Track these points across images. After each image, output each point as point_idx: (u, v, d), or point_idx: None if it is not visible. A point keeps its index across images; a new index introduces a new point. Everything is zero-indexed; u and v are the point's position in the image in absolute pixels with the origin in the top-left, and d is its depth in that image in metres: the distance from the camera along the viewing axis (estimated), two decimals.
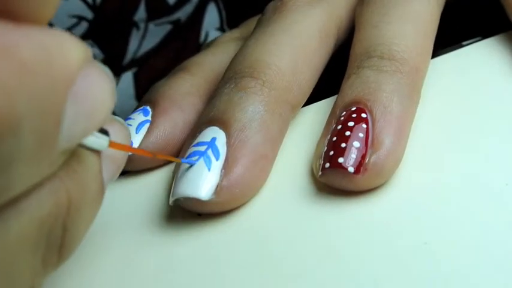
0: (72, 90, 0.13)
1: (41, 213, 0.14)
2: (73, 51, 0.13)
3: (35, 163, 0.13)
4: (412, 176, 0.22)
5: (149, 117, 0.24)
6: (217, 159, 0.21)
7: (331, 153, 0.21)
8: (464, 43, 0.27)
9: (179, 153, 0.24)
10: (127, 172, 0.25)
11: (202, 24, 0.39)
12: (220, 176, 0.21)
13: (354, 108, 0.22)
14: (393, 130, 0.21)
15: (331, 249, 0.20)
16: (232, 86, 0.23)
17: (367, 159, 0.21)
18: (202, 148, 0.21)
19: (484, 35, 0.28)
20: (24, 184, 0.13)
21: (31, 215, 0.13)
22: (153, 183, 0.24)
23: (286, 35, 0.24)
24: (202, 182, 0.21)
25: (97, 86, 0.14)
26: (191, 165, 0.21)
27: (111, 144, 0.16)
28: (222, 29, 0.40)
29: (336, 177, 0.21)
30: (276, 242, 0.21)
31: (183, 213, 0.22)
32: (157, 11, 0.37)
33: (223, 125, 0.22)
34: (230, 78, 0.23)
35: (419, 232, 0.20)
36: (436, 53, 0.27)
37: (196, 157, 0.21)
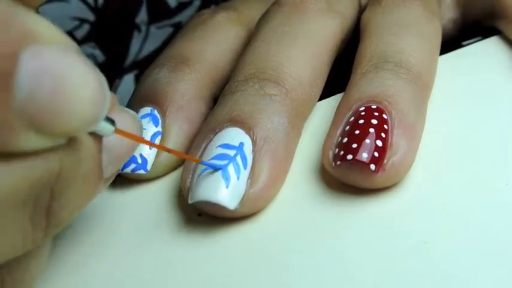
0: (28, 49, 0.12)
1: (33, 175, 0.14)
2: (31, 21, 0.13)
3: None
4: (412, 176, 0.22)
5: (160, 128, 0.24)
6: (245, 167, 0.21)
7: (354, 145, 0.21)
8: (464, 43, 0.27)
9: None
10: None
11: None
12: (247, 186, 0.21)
13: (374, 107, 0.22)
14: (409, 138, 0.22)
15: (331, 248, 0.20)
16: (256, 86, 0.23)
17: (385, 161, 0.21)
18: (231, 152, 0.21)
19: (484, 35, 0.28)
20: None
21: (23, 175, 0.13)
22: (152, 181, 0.24)
23: (310, 44, 0.24)
24: (232, 190, 0.21)
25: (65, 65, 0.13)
26: (215, 168, 0.21)
27: (118, 131, 0.16)
28: None
29: (353, 171, 0.21)
30: (276, 242, 0.21)
31: (182, 212, 0.22)
32: (158, 14, 0.37)
33: (249, 130, 0.22)
34: (252, 76, 0.23)
35: (419, 232, 0.20)
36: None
37: (226, 161, 0.21)
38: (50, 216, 0.15)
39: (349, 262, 0.20)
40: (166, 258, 0.21)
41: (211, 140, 0.22)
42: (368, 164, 0.21)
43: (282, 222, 0.22)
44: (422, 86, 0.23)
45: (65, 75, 0.13)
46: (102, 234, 0.22)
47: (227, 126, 0.22)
